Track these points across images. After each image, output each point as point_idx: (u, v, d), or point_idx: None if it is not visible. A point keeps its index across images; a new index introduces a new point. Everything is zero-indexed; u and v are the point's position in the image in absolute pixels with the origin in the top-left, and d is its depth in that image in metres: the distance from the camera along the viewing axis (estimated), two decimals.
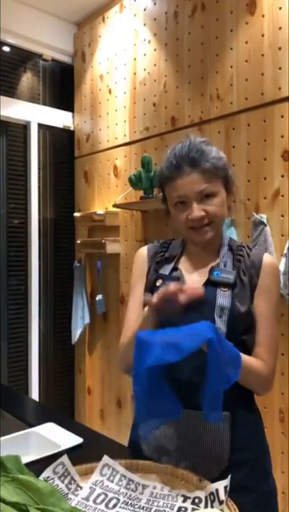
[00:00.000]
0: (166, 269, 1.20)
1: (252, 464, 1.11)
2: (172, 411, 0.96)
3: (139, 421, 0.99)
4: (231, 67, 2.22)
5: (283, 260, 1.93)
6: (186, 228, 1.14)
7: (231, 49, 2.22)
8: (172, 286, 0.97)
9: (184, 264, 1.21)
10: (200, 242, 1.16)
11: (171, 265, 1.20)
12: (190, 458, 1.05)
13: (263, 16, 2.07)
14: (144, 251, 1.29)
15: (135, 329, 1.13)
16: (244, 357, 1.03)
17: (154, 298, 0.98)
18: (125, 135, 2.84)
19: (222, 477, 0.96)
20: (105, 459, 1.02)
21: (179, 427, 1.07)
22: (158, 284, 1.17)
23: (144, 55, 2.70)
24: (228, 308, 1.08)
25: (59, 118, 3.23)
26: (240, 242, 1.22)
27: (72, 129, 3.29)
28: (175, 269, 1.19)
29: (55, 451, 1.21)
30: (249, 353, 1.11)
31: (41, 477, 0.94)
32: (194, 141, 1.13)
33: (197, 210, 1.10)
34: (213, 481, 0.94)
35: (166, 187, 1.15)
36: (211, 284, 1.12)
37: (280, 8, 2.01)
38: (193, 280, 1.15)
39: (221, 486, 0.87)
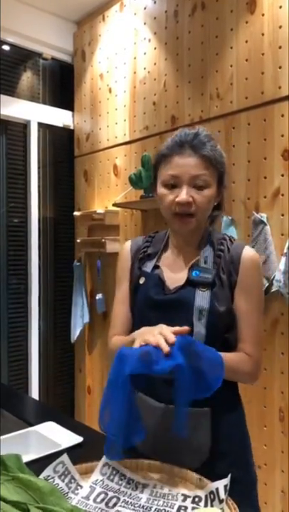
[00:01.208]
0: (148, 267, 1.19)
1: (234, 454, 1.13)
2: (137, 434, 0.98)
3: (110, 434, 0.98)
4: (231, 66, 2.22)
5: (283, 259, 1.93)
6: (170, 213, 1.12)
7: (231, 48, 2.22)
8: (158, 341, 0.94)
9: (165, 261, 1.19)
10: (181, 231, 1.15)
11: (153, 262, 1.19)
12: (172, 449, 1.08)
13: (263, 14, 2.07)
14: (127, 247, 1.28)
15: (121, 334, 1.19)
16: (228, 358, 1.05)
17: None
18: (125, 134, 2.84)
19: (204, 468, 1.02)
20: (105, 458, 1.02)
21: (162, 420, 1.10)
22: (141, 281, 1.18)
23: (144, 53, 2.70)
24: (206, 309, 1.07)
25: (59, 117, 3.23)
26: (223, 235, 1.19)
27: (72, 128, 3.29)
28: (157, 266, 1.18)
29: (55, 450, 1.22)
30: (233, 350, 1.12)
31: (41, 476, 0.94)
32: (202, 131, 1.13)
33: (186, 194, 1.08)
34: (195, 471, 0.98)
35: (162, 164, 1.13)
36: (190, 284, 1.11)
37: (280, 7, 2.00)
38: (173, 279, 1.14)
39: (221, 485, 0.88)
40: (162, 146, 1.15)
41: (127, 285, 1.24)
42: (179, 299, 1.10)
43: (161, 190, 1.13)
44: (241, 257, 1.12)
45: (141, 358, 0.90)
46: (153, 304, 1.13)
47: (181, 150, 1.09)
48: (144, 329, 1.03)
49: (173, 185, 1.10)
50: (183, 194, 1.08)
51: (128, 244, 1.28)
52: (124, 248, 1.28)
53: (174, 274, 1.16)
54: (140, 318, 1.16)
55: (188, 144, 1.09)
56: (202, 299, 1.08)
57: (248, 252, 1.14)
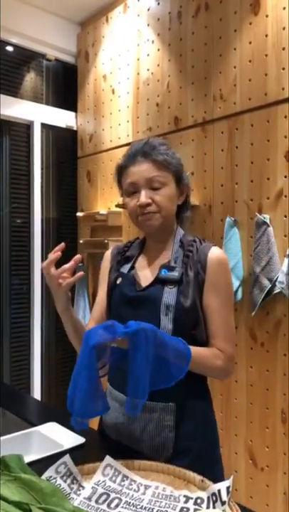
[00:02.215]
0: (125, 268, 1.29)
1: (196, 452, 1.16)
2: (102, 408, 1.05)
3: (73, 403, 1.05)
4: (235, 67, 2.22)
5: (286, 261, 1.93)
6: (136, 216, 1.21)
7: (235, 49, 2.22)
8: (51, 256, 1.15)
9: (140, 263, 1.29)
10: (149, 230, 1.23)
11: (130, 264, 1.29)
12: (138, 443, 1.15)
13: (267, 16, 2.07)
14: (108, 252, 1.39)
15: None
16: (197, 350, 1.10)
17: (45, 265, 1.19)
18: (128, 135, 2.84)
19: (168, 463, 1.05)
20: (107, 459, 1.02)
21: (128, 414, 1.15)
22: (118, 282, 1.27)
23: (148, 55, 2.70)
24: (173, 305, 1.14)
25: (62, 118, 3.24)
26: (193, 237, 1.26)
27: (75, 128, 3.30)
28: (133, 267, 1.27)
29: (58, 450, 1.22)
30: (199, 345, 1.16)
31: (44, 476, 0.94)
32: (152, 140, 1.23)
33: (144, 197, 1.17)
34: None
35: (122, 176, 1.24)
36: (158, 281, 1.19)
37: (284, 8, 2.00)
38: (145, 277, 1.23)
39: (223, 486, 0.87)
40: (119, 161, 1.26)
41: (104, 288, 1.33)
42: (147, 296, 1.18)
43: (125, 199, 1.25)
44: (208, 257, 1.19)
45: (105, 328, 0.98)
46: (126, 300, 1.22)
47: (135, 159, 1.20)
48: None
49: (133, 192, 1.20)
50: (142, 197, 1.17)
51: (109, 250, 1.40)
52: (106, 254, 1.39)
53: (146, 274, 1.25)
54: (115, 314, 1.25)
55: (140, 152, 1.20)
56: (169, 295, 1.16)
57: (214, 251, 1.21)
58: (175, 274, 1.18)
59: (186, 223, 1.33)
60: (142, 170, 1.18)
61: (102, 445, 1.28)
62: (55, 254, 1.19)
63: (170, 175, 1.20)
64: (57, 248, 1.20)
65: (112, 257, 1.36)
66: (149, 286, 1.20)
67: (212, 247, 1.21)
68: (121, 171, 1.24)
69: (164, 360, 1.00)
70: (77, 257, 1.18)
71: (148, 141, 1.22)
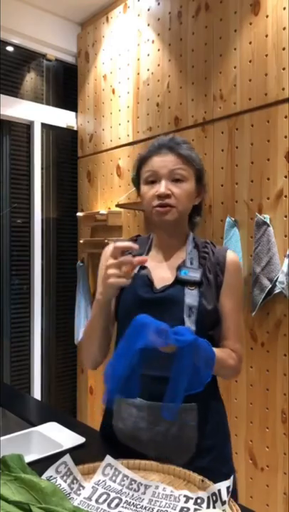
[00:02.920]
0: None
1: (216, 449, 1.18)
2: (133, 392, 1.01)
3: (111, 396, 1.01)
4: (235, 67, 2.22)
5: (286, 261, 1.93)
6: (151, 207, 1.18)
7: (235, 49, 2.22)
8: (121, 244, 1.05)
9: (151, 262, 1.23)
10: (162, 223, 1.18)
11: None
12: (160, 447, 1.13)
13: (267, 16, 2.07)
14: (108, 248, 1.29)
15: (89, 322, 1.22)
16: (218, 353, 1.10)
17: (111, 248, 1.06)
18: (128, 135, 2.84)
19: (191, 463, 1.06)
20: (108, 458, 1.02)
21: (149, 419, 1.14)
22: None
23: (148, 55, 2.70)
24: (196, 307, 1.13)
25: (62, 118, 3.24)
26: (205, 239, 1.27)
27: (75, 128, 3.30)
28: (143, 267, 1.21)
29: (58, 450, 1.22)
30: (216, 346, 1.16)
31: (44, 476, 0.94)
32: (177, 136, 1.24)
33: (164, 187, 1.15)
34: (183, 467, 1.01)
35: (142, 166, 1.22)
36: (178, 282, 1.16)
37: (284, 9, 2.00)
38: (161, 278, 1.19)
39: (224, 486, 0.88)
40: (142, 152, 1.25)
41: None
42: (168, 297, 1.15)
43: (142, 188, 1.21)
44: (227, 260, 1.20)
45: (158, 333, 0.93)
46: (142, 302, 1.17)
47: (159, 150, 1.19)
48: None
49: (153, 181, 1.18)
50: (162, 187, 1.15)
51: (109, 247, 1.28)
52: (106, 250, 1.30)
53: (160, 273, 1.21)
54: (127, 317, 1.16)
55: (166, 146, 1.19)
56: (191, 296, 1.14)
57: (232, 254, 1.23)
58: (197, 275, 1.16)
59: (196, 228, 1.31)
60: (166, 160, 1.17)
61: (102, 445, 1.28)
62: (131, 245, 1.06)
63: (192, 171, 1.19)
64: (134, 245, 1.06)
65: None
66: (168, 288, 1.17)
67: (228, 250, 1.23)
68: (143, 160, 1.22)
69: (196, 364, 0.99)
70: (143, 258, 1.06)
71: (174, 136, 1.22)
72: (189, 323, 1.12)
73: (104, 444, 1.24)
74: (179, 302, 1.13)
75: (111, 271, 1.04)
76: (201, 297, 1.14)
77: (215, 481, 0.91)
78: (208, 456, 1.15)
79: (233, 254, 1.24)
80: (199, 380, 0.98)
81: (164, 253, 1.25)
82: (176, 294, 1.15)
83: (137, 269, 1.21)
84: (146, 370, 0.98)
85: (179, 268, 1.18)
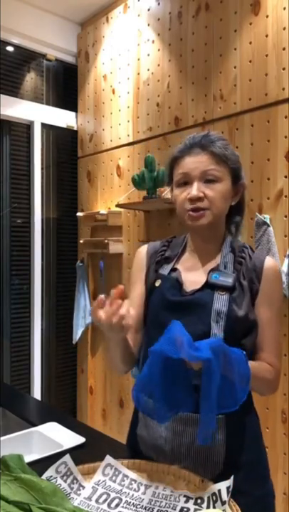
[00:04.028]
0: (165, 269, 1.18)
1: (248, 467, 1.09)
2: (185, 402, 0.96)
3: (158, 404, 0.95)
4: (235, 67, 2.22)
5: (286, 261, 1.93)
6: (184, 210, 1.12)
7: (235, 49, 2.22)
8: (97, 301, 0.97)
9: (183, 264, 1.18)
10: (195, 227, 1.13)
11: (171, 265, 1.18)
12: (184, 460, 1.05)
13: (267, 16, 2.07)
14: (144, 249, 1.27)
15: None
16: (255, 367, 1.03)
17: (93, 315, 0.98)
18: (128, 135, 2.84)
19: (217, 480, 0.94)
20: (108, 458, 1.02)
21: (174, 429, 1.07)
22: (157, 284, 1.16)
23: (148, 55, 2.70)
24: (224, 312, 1.06)
25: (62, 118, 3.24)
26: (243, 243, 1.19)
27: (75, 128, 3.30)
28: (174, 269, 1.17)
29: (58, 450, 1.22)
30: (249, 356, 1.07)
31: (44, 476, 0.94)
32: (211, 133, 1.16)
33: (196, 190, 1.09)
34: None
35: (175, 167, 1.15)
36: (208, 286, 1.10)
37: (285, 9, 2.00)
38: (191, 281, 1.13)
39: (224, 486, 0.87)
40: (174, 150, 1.17)
41: (139, 288, 1.23)
42: (196, 301, 1.09)
43: (175, 191, 1.15)
44: (264, 266, 1.12)
45: (169, 343, 0.87)
46: (169, 305, 1.12)
47: (191, 150, 1.12)
48: None
49: (185, 183, 1.12)
50: (194, 189, 1.09)
51: (145, 247, 1.28)
52: (140, 251, 1.28)
53: (191, 277, 1.15)
54: (154, 319, 1.15)
55: (198, 144, 1.12)
56: (220, 301, 1.07)
57: (271, 262, 1.14)
58: (229, 280, 1.09)
59: (239, 229, 1.23)
60: (198, 161, 1.10)
61: (102, 445, 1.28)
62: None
63: (227, 170, 1.12)
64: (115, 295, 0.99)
65: (148, 255, 1.25)
66: (197, 291, 1.11)
67: (267, 257, 1.14)
68: (174, 161, 1.15)
69: (229, 380, 0.91)
70: (120, 288, 1.00)
71: (207, 133, 1.14)
72: (217, 329, 1.05)
73: (129, 453, 1.18)
74: (207, 307, 1.07)
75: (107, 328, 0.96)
76: (231, 303, 1.07)
77: (247, 505, 0.85)
78: (237, 475, 0.98)
79: (272, 261, 1.14)
80: (234, 397, 0.91)
81: (198, 256, 1.18)
82: (205, 298, 1.08)
83: (168, 271, 1.17)
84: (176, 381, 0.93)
85: (210, 272, 1.12)
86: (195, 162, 1.10)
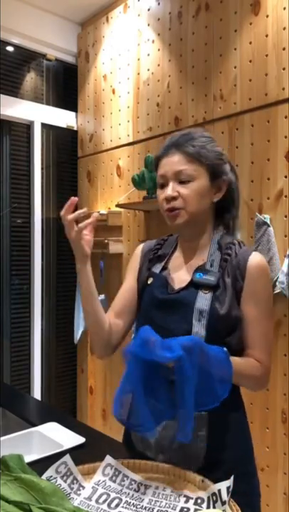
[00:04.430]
0: (157, 268, 1.21)
1: (231, 464, 1.10)
2: (167, 412, 0.96)
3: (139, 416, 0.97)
4: (235, 67, 2.22)
5: (286, 261, 1.93)
6: (163, 210, 1.15)
7: (235, 49, 2.22)
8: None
9: (174, 262, 1.21)
10: (174, 226, 1.15)
11: (162, 263, 1.21)
12: (167, 453, 1.08)
13: (267, 16, 2.07)
14: (139, 248, 1.32)
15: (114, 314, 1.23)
16: (240, 364, 1.05)
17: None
18: (128, 135, 2.84)
19: (201, 475, 0.98)
20: (108, 458, 1.02)
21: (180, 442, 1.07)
22: (149, 282, 1.19)
23: (148, 55, 2.70)
24: (206, 311, 1.07)
25: (62, 118, 3.24)
26: (232, 239, 1.18)
27: (75, 128, 3.30)
28: (166, 267, 1.20)
29: (58, 450, 1.22)
30: (233, 354, 1.07)
31: (44, 476, 0.94)
32: (193, 130, 1.17)
33: (171, 190, 1.12)
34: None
35: (157, 170, 1.18)
36: (193, 285, 1.11)
37: (284, 9, 2.00)
38: (179, 280, 1.16)
39: (224, 486, 0.87)
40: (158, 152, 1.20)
41: (131, 280, 1.27)
42: (179, 299, 1.11)
43: (157, 192, 1.18)
44: (248, 263, 1.11)
45: (142, 345, 0.90)
46: (157, 302, 1.15)
47: (168, 151, 1.15)
48: None
49: (163, 184, 1.15)
50: (168, 190, 1.12)
51: (141, 246, 1.32)
52: (136, 249, 1.32)
53: (179, 275, 1.17)
54: (145, 316, 1.18)
55: (174, 144, 1.14)
56: (203, 300, 1.08)
57: (255, 258, 1.12)
58: (211, 278, 1.10)
59: (234, 223, 1.22)
60: (172, 161, 1.12)
61: (102, 445, 1.28)
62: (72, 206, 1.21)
63: (202, 168, 1.12)
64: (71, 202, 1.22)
65: (142, 254, 1.28)
66: (182, 290, 1.13)
67: (253, 253, 1.13)
68: (156, 163, 1.19)
69: (208, 377, 0.92)
70: (85, 209, 1.21)
71: (187, 132, 1.16)
72: (198, 328, 1.06)
73: (126, 451, 1.20)
74: (190, 305, 1.08)
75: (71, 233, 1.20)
76: (214, 301, 1.08)
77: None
78: (218, 470, 1.04)
79: (258, 257, 1.13)
80: (214, 394, 0.92)
81: (186, 254, 1.20)
82: (188, 296, 1.10)
83: (159, 269, 1.20)
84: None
85: (196, 270, 1.13)
86: (169, 163, 1.13)
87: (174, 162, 1.12)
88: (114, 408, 0.95)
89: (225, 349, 0.98)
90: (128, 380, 0.94)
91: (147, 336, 0.91)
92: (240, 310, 1.11)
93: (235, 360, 1.03)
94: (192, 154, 1.11)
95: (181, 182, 1.12)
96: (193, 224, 1.14)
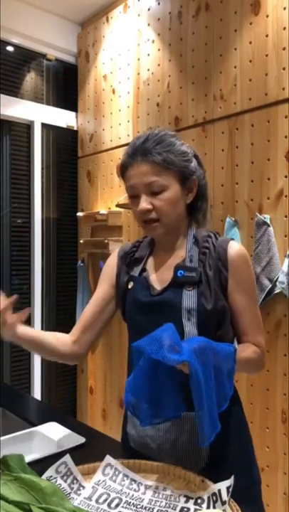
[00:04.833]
0: (135, 271, 1.19)
1: (233, 458, 1.10)
2: (174, 410, 0.97)
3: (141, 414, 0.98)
4: (235, 67, 2.22)
5: (287, 261, 1.93)
6: (140, 222, 1.14)
7: (235, 49, 2.21)
8: None
9: (152, 264, 1.20)
10: (153, 237, 1.17)
11: (141, 265, 1.19)
12: (171, 456, 1.08)
13: (267, 16, 2.07)
14: (114, 253, 1.30)
15: (76, 334, 1.25)
16: (241, 353, 1.04)
17: None
18: (128, 135, 2.84)
19: (202, 474, 0.98)
20: (108, 458, 1.02)
21: (159, 427, 1.09)
22: (129, 286, 1.18)
23: (148, 55, 2.70)
24: (195, 309, 1.06)
25: (62, 118, 3.24)
26: (207, 232, 1.17)
27: (75, 128, 3.30)
28: (145, 269, 1.19)
29: (58, 450, 1.22)
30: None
31: (44, 476, 0.94)
32: (155, 132, 1.13)
33: (144, 203, 1.09)
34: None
35: (124, 176, 1.15)
36: (175, 283, 1.10)
37: (285, 9, 2.00)
38: (160, 280, 1.14)
39: (224, 486, 0.87)
40: (121, 158, 1.16)
41: (104, 288, 1.26)
42: (165, 300, 1.10)
43: (130, 202, 1.16)
44: (228, 253, 1.11)
45: (151, 344, 0.88)
46: (141, 306, 1.13)
47: (134, 159, 1.10)
48: None
49: (134, 195, 1.12)
50: (141, 204, 1.09)
51: (116, 251, 1.30)
52: (111, 255, 1.30)
53: (160, 275, 1.16)
54: (131, 321, 1.18)
55: (139, 151, 1.10)
56: (189, 298, 1.07)
57: (234, 246, 1.12)
58: (193, 274, 1.08)
59: (205, 217, 1.21)
60: (140, 173, 1.08)
61: (102, 445, 1.28)
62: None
63: (172, 175, 1.10)
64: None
65: (118, 258, 1.26)
66: (165, 290, 1.11)
67: (230, 242, 1.13)
68: (123, 170, 1.14)
69: (222, 378, 0.91)
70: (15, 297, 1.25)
71: (149, 134, 1.12)
72: (190, 327, 1.05)
73: (123, 452, 1.20)
74: (177, 305, 1.07)
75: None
76: (200, 298, 1.07)
77: (233, 496, 0.87)
78: (221, 466, 1.06)
79: (237, 245, 1.13)
80: (224, 394, 0.92)
81: (163, 254, 1.18)
82: (173, 296, 1.09)
83: (138, 272, 1.18)
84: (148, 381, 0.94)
85: (176, 268, 1.11)
86: (138, 174, 1.09)
87: (143, 173, 1.08)
88: (126, 397, 0.96)
89: (234, 347, 0.98)
90: (137, 373, 0.93)
91: (158, 334, 0.89)
92: (226, 300, 1.11)
93: (240, 350, 1.03)
94: (160, 163, 1.08)
95: (153, 193, 1.09)
96: (170, 231, 1.14)
